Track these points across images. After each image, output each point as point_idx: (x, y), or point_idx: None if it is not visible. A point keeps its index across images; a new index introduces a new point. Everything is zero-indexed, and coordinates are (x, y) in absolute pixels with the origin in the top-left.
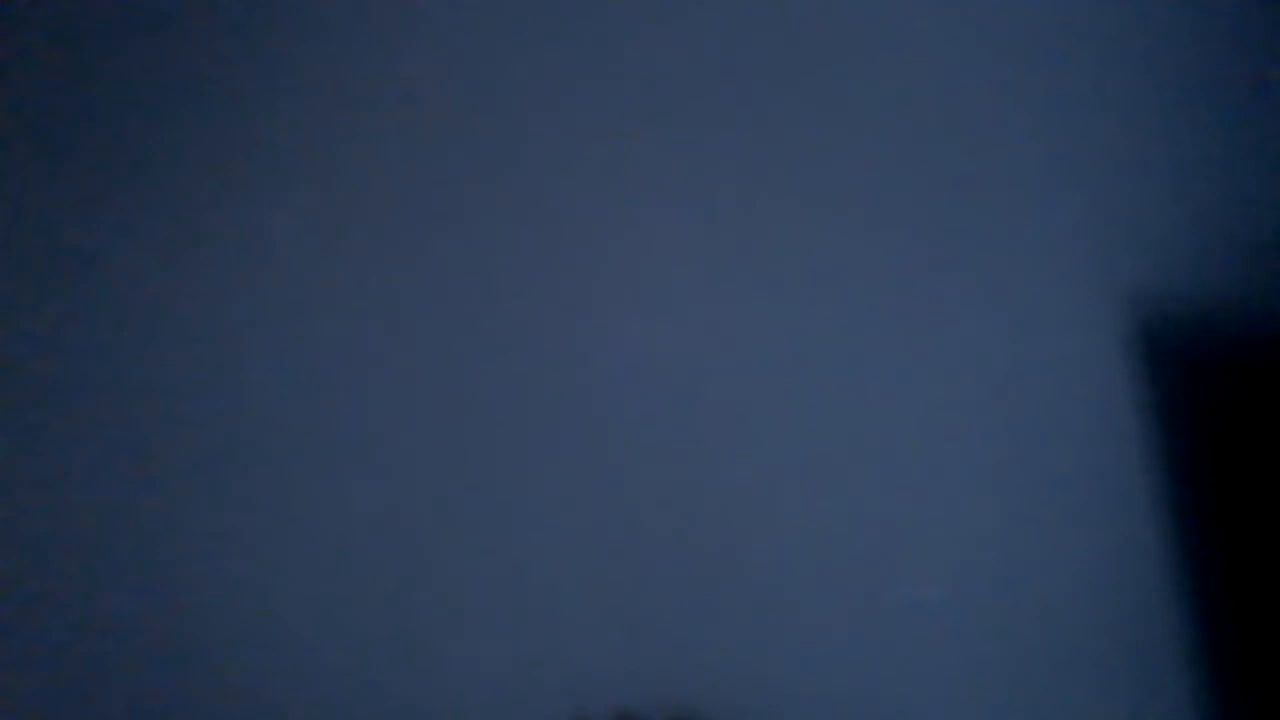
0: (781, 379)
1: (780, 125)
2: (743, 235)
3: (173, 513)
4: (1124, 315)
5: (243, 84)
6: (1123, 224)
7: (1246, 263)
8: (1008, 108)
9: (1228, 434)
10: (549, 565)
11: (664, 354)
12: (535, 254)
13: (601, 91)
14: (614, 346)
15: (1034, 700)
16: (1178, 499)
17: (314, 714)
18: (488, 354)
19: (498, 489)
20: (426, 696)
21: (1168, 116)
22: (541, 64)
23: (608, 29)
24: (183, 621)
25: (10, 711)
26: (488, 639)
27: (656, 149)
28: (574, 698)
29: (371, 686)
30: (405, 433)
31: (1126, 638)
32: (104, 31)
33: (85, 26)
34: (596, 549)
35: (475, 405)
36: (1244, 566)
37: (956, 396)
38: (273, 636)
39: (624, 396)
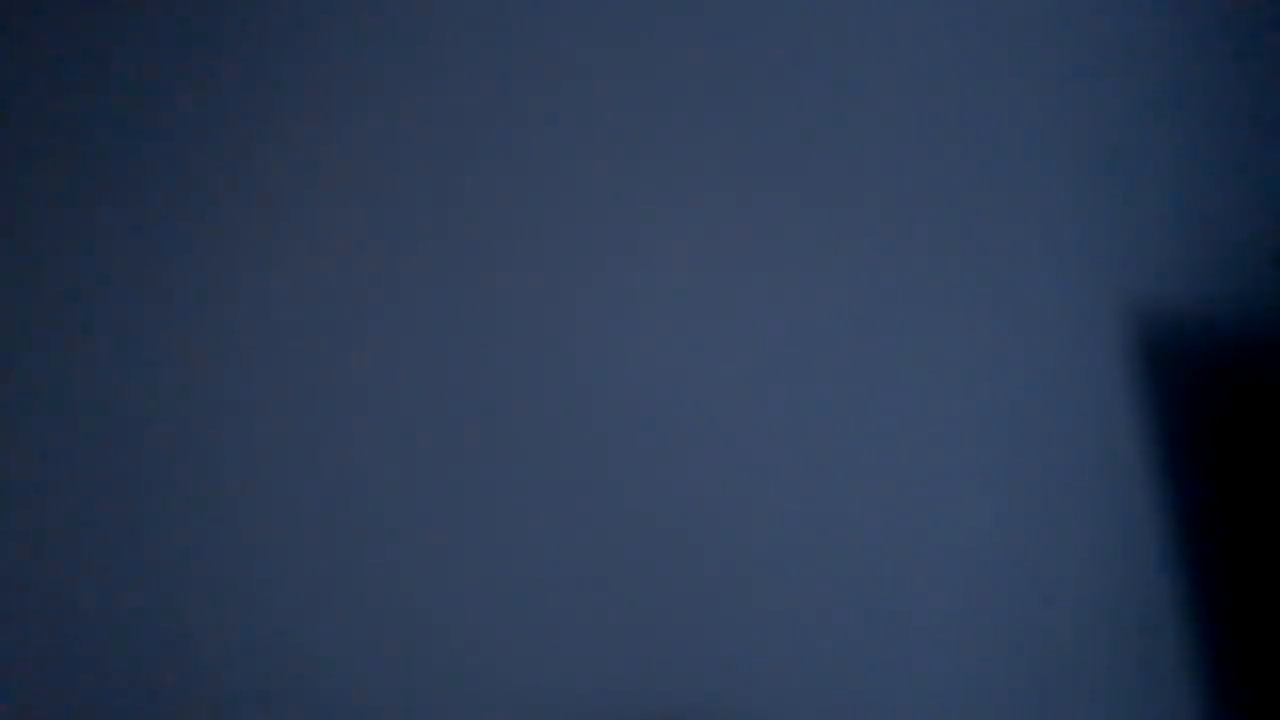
0: (779, 384)
1: (779, 129)
2: (741, 239)
3: (171, 514)
4: (1124, 323)
5: (243, 85)
6: (1123, 232)
7: (1246, 270)
8: (1007, 115)
9: (1228, 441)
10: (546, 569)
11: (662, 355)
12: (533, 255)
13: (599, 93)
14: (614, 348)
15: (1035, 705)
16: (1178, 505)
17: (310, 715)
18: (485, 355)
19: (495, 490)
20: (421, 699)
21: (1168, 125)
22: (541, 65)
23: (607, 30)
24: (180, 624)
25: (10, 711)
26: (485, 642)
27: (655, 150)
28: (570, 702)
29: (367, 687)
30: (404, 435)
31: (1127, 642)
32: (102, 29)
33: (83, 26)
34: (594, 553)
35: (474, 406)
36: (1245, 572)
37: (957, 404)
38: (273, 641)
39: (624, 398)
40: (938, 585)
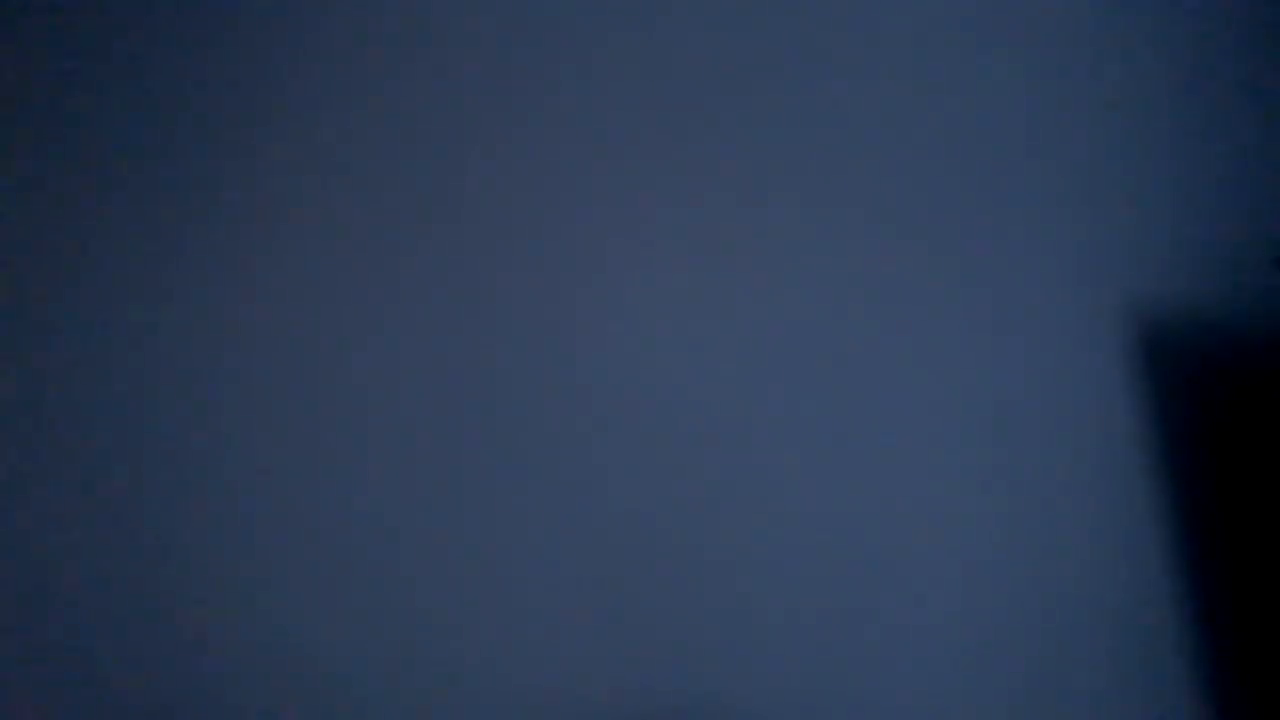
0: (779, 385)
1: (781, 132)
2: (741, 241)
3: (170, 514)
4: (1124, 324)
5: (244, 86)
6: (1123, 233)
7: (1246, 272)
8: (1008, 116)
9: (1228, 441)
10: (546, 568)
11: (662, 355)
12: (533, 254)
13: (599, 93)
14: (613, 348)
15: (1035, 705)
16: (1178, 505)
17: (311, 715)
18: (485, 355)
19: (495, 490)
20: (421, 699)
21: (1168, 126)
22: (541, 64)
23: (608, 29)
24: (180, 624)
25: (10, 711)
26: (485, 642)
27: (656, 150)
28: (570, 702)
29: (367, 687)
30: (404, 435)
31: (1127, 642)
32: (100, 28)
33: (83, 26)
34: (594, 552)
35: (474, 406)
36: (1246, 572)
37: (957, 404)
38: (273, 641)
39: (624, 398)
40: (938, 585)
